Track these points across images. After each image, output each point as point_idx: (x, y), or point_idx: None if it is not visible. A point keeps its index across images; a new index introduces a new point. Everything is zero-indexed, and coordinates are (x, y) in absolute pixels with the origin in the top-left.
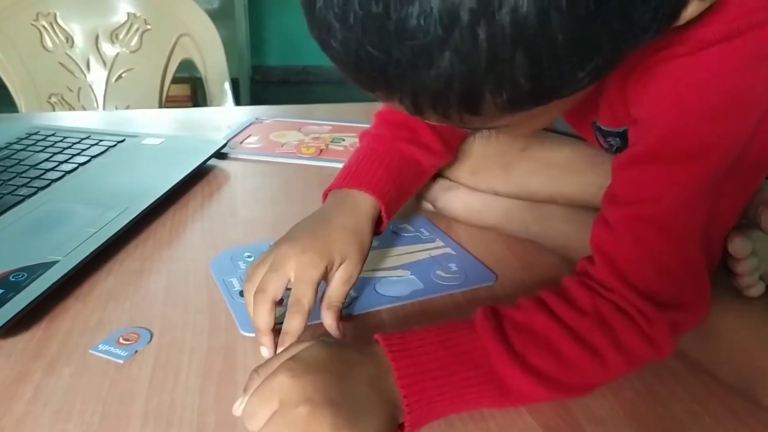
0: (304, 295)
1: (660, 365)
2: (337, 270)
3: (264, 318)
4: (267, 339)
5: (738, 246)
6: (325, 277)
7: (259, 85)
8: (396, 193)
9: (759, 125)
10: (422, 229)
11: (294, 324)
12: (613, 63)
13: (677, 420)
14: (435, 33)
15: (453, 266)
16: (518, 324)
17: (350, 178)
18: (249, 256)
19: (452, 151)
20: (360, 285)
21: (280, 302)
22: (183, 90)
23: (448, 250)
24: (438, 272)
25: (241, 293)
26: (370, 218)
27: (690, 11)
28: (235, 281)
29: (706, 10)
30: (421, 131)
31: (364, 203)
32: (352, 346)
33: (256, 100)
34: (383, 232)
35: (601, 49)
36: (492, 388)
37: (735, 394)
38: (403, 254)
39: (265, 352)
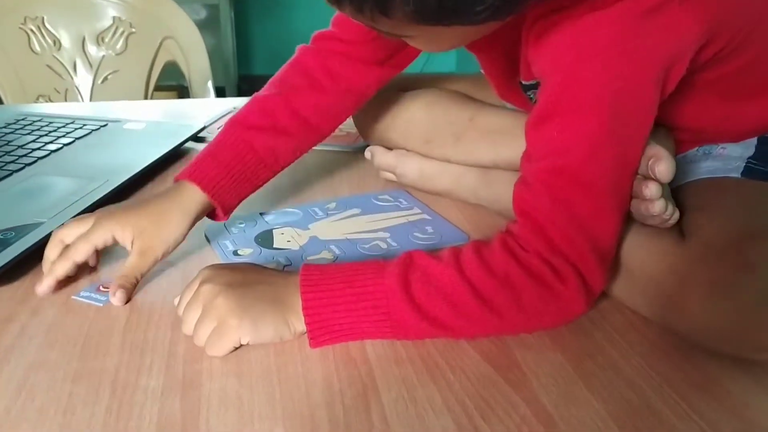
0: (75, 247)
1: None
2: (133, 242)
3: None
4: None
5: (653, 190)
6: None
7: (246, 93)
8: (233, 183)
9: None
10: (401, 200)
11: (56, 267)
12: (511, 7)
13: (597, 345)
14: None
15: (429, 228)
16: (427, 275)
17: (187, 170)
18: (241, 223)
19: (321, 129)
20: (344, 244)
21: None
22: (169, 97)
23: (425, 216)
24: (415, 233)
25: (234, 252)
26: (185, 203)
27: None
28: (228, 243)
29: None
30: (280, 115)
31: (188, 191)
32: (270, 268)
33: None
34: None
35: None
36: (388, 326)
37: (651, 323)
38: (382, 220)
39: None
